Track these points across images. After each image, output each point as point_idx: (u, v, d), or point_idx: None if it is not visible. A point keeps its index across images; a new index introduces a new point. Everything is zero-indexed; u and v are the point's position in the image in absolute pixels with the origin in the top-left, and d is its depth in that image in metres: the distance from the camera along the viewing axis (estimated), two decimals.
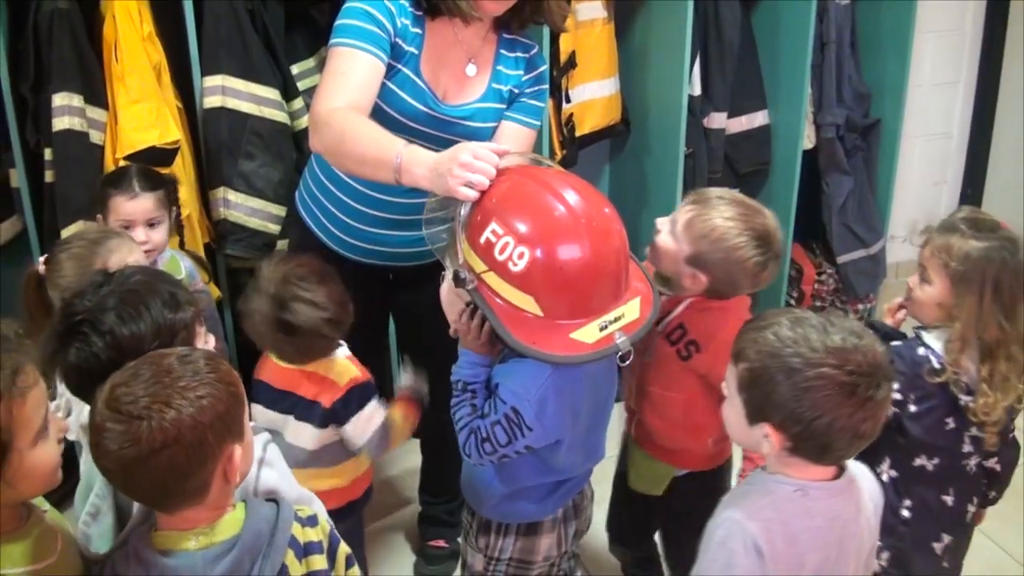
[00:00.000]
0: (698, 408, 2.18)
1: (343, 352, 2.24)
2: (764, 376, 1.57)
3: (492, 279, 1.73)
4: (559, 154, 3.42)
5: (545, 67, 2.41)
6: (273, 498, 1.52)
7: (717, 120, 3.64)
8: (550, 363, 1.75)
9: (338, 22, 2.13)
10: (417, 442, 2.94)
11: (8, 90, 2.64)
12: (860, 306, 4.15)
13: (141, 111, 2.66)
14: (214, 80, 2.79)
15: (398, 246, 2.39)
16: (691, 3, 3.32)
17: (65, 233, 2.64)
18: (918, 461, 2.09)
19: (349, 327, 2.16)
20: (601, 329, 1.73)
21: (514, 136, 2.33)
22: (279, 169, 2.90)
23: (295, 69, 3.01)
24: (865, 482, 1.71)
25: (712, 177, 3.66)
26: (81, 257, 2.06)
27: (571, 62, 3.32)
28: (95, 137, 2.69)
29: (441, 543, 2.94)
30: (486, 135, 2.30)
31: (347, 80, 2.07)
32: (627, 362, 1.76)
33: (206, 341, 1.67)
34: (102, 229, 2.19)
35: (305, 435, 2.22)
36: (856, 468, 1.69)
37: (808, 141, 3.86)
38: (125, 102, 2.65)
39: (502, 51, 2.32)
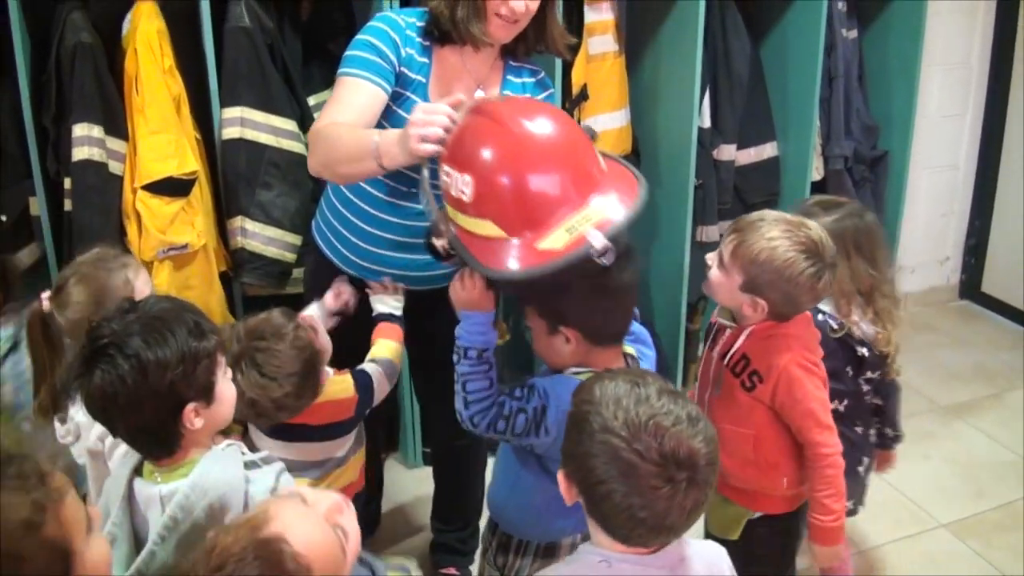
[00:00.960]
0: (768, 444, 2.18)
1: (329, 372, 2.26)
2: (570, 423, 1.50)
3: (462, 220, 1.75)
4: None
5: (552, 90, 2.45)
6: None
7: (727, 152, 3.67)
8: (519, 279, 1.70)
9: (345, 54, 2.19)
10: (429, 469, 2.96)
11: (30, 120, 2.68)
12: None
13: (160, 142, 2.69)
14: (233, 112, 2.84)
15: (411, 269, 2.39)
16: (700, 37, 3.36)
17: None
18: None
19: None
20: (569, 232, 1.67)
21: None
22: (296, 199, 2.94)
23: (312, 101, 3.05)
24: (699, 564, 1.55)
25: (722, 208, 3.69)
26: (89, 281, 2.07)
27: (583, 94, 3.36)
28: (114, 167, 2.72)
29: (453, 571, 2.93)
30: None
31: (345, 105, 2.13)
32: (606, 260, 1.63)
33: (226, 372, 1.68)
34: (102, 252, 2.18)
35: (344, 445, 2.28)
36: (697, 550, 1.55)
37: (817, 173, 3.89)
38: (145, 133, 2.69)
39: (509, 77, 2.35)
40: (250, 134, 2.85)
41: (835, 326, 2.39)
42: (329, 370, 2.24)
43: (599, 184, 1.74)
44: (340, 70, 2.18)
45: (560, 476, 1.50)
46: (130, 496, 1.63)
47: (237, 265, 2.96)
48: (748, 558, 2.28)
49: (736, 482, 2.23)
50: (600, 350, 1.91)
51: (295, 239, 2.97)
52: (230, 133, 2.85)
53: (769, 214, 2.14)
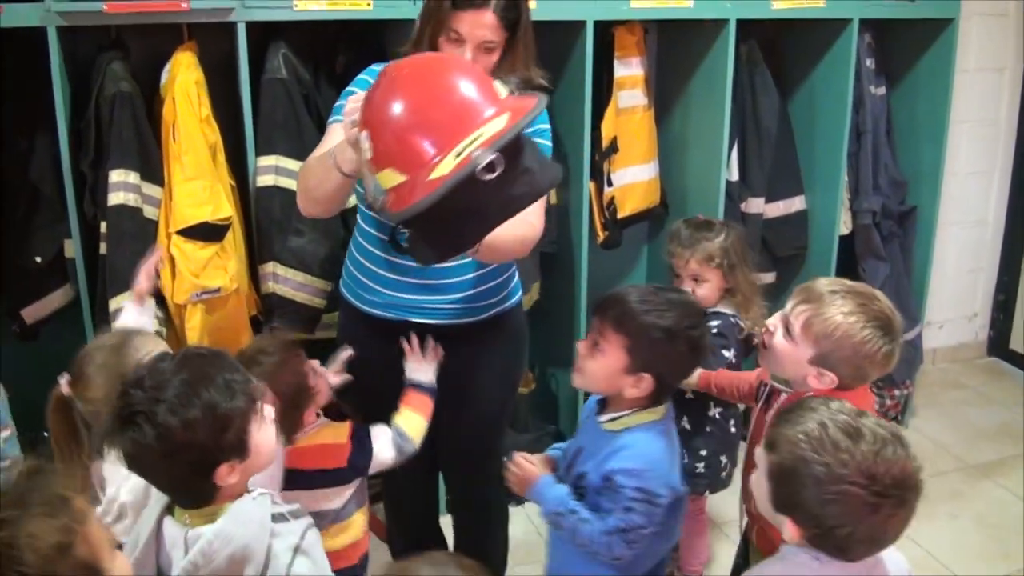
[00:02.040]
0: None
1: (324, 421, 2.28)
2: (791, 476, 1.55)
3: (380, 180, 1.75)
4: (601, 235, 3.49)
5: (546, 126, 2.42)
6: None
7: (755, 205, 3.69)
8: (418, 211, 1.65)
9: (336, 104, 2.31)
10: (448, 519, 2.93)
11: (68, 165, 2.73)
12: (896, 392, 4.14)
13: (196, 188, 2.73)
14: (268, 160, 2.88)
15: (427, 307, 2.40)
16: (729, 91, 3.41)
17: (113, 304, 2.72)
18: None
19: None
20: (457, 156, 1.66)
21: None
22: (326, 246, 2.97)
23: None
24: (891, 566, 1.68)
25: None
26: (109, 366, 2.00)
27: (613, 147, 3.40)
28: (149, 212, 2.76)
29: None
30: None
31: (324, 148, 2.19)
32: (492, 175, 1.64)
33: (262, 420, 1.67)
34: (121, 331, 2.17)
35: (338, 497, 2.26)
36: (885, 553, 1.66)
37: (844, 227, 3.90)
38: (180, 179, 2.73)
39: None
40: (284, 182, 2.89)
41: (742, 326, 2.80)
42: (324, 419, 2.26)
43: (491, 110, 1.72)
44: (328, 122, 2.30)
45: (788, 524, 1.58)
46: (158, 533, 1.65)
47: (267, 310, 2.99)
48: None
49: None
50: (654, 406, 1.99)
51: (325, 285, 3.00)
52: (264, 180, 2.89)
53: (839, 283, 2.08)
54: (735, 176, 3.64)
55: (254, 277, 3.01)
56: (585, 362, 2.03)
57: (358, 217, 2.47)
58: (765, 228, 3.77)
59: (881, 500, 1.50)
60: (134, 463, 1.58)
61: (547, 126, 2.42)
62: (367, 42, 3.21)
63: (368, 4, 2.91)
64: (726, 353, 2.79)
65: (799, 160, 3.83)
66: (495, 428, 2.63)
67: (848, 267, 3.95)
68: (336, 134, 2.17)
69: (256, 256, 2.99)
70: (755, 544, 2.23)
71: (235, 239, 2.86)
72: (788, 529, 1.58)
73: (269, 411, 1.70)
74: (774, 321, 2.10)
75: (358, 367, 2.43)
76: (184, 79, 2.73)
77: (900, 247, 4.07)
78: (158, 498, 1.70)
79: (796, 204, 3.81)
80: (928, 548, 3.28)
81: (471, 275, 2.38)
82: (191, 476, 1.58)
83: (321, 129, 2.93)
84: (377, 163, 1.74)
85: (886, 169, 3.97)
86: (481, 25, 2.19)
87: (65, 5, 2.60)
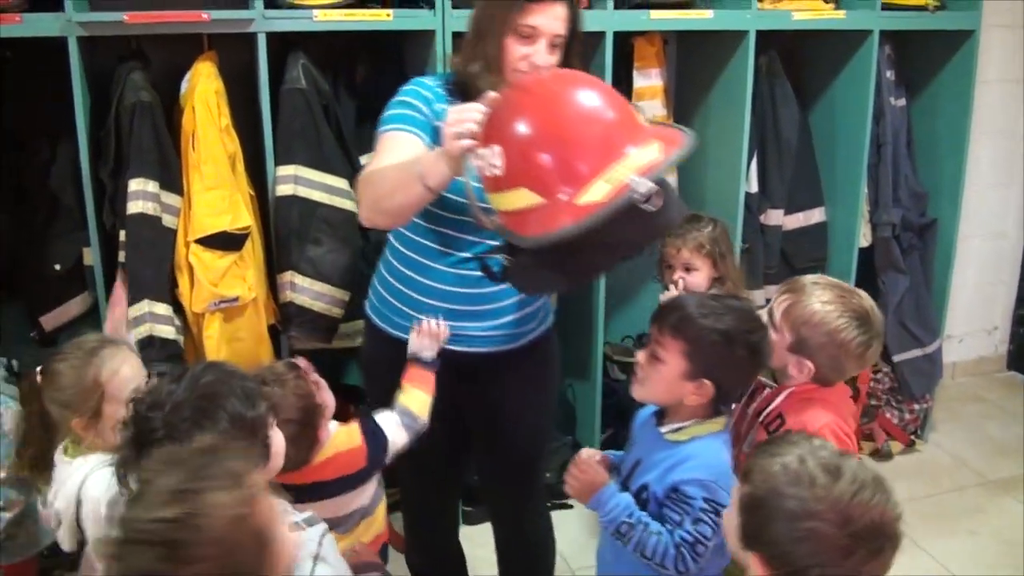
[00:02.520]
0: None
1: (334, 426, 2.21)
2: (762, 508, 1.48)
3: (500, 202, 1.69)
4: None
5: None
6: None
7: (774, 216, 3.68)
8: (565, 238, 1.58)
9: (380, 119, 2.22)
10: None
11: (88, 174, 2.74)
12: (916, 406, 4.12)
13: (215, 198, 2.74)
14: (287, 170, 2.89)
15: (470, 334, 2.33)
16: (748, 103, 3.40)
17: (131, 312, 2.72)
18: None
19: None
20: (609, 182, 1.59)
21: None
22: (345, 255, 2.97)
23: (364, 160, 3.08)
24: None
25: (768, 272, 3.69)
26: (77, 368, 2.03)
27: None
28: (168, 221, 2.76)
29: None
30: None
31: (387, 155, 2.10)
32: (652, 206, 1.58)
33: (272, 423, 1.71)
34: (99, 338, 2.16)
35: (366, 493, 2.24)
36: None
37: (864, 239, 3.88)
38: (200, 188, 2.74)
39: None
40: (303, 191, 2.89)
41: None
42: (333, 424, 2.22)
43: (637, 136, 1.67)
44: (379, 131, 2.20)
45: (753, 559, 1.50)
46: None
47: (285, 319, 2.99)
48: None
49: None
50: (715, 416, 2.00)
51: (343, 295, 3.00)
52: (283, 190, 2.90)
53: (822, 278, 2.15)
54: (754, 188, 3.63)
55: (272, 286, 3.01)
56: (645, 372, 2.02)
57: (391, 238, 2.39)
58: (784, 240, 3.76)
59: (854, 544, 1.41)
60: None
61: None
62: (387, 53, 3.23)
63: (388, 15, 2.92)
64: None
65: (819, 172, 3.82)
66: (538, 450, 2.61)
67: (867, 279, 3.92)
68: (399, 144, 2.12)
69: (274, 265, 2.99)
70: None
71: (254, 248, 2.86)
72: (755, 568, 1.51)
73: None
74: (760, 311, 2.14)
75: (384, 394, 2.34)
76: (204, 89, 2.74)
77: (920, 260, 4.05)
78: None
79: (815, 216, 3.80)
80: (946, 564, 3.26)
81: (514, 299, 2.32)
82: None
83: (341, 139, 2.95)
84: (505, 183, 1.66)
85: (906, 181, 3.94)
86: (555, 17, 2.14)
87: (85, 15, 2.62)
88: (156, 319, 2.74)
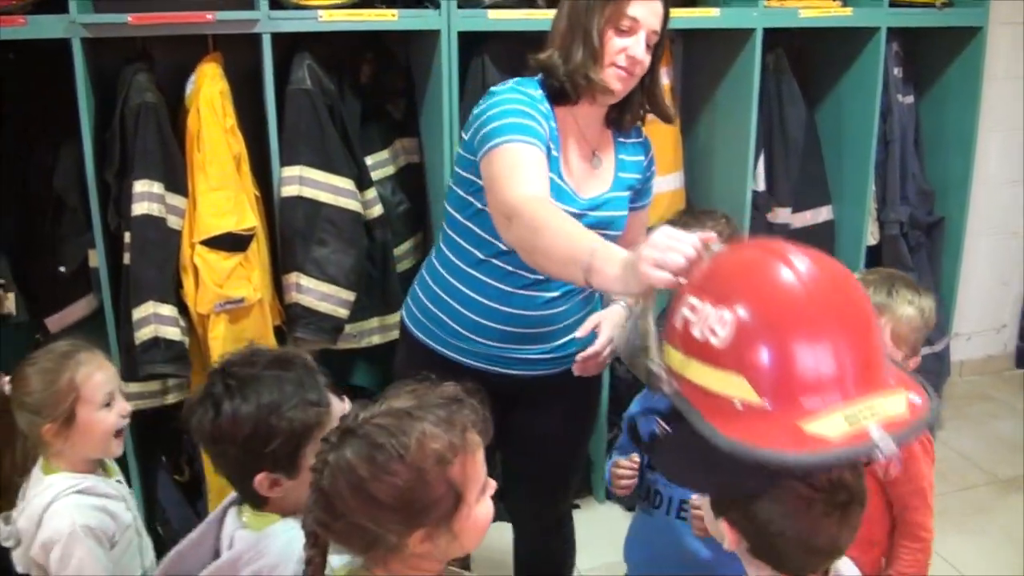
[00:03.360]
0: (871, 520, 2.03)
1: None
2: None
3: (694, 370, 1.36)
4: None
5: (652, 151, 2.38)
6: None
7: (782, 215, 3.66)
8: (778, 465, 1.28)
9: (494, 124, 2.00)
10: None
11: (93, 176, 2.74)
12: None
13: (220, 198, 2.74)
14: (292, 170, 2.88)
15: (519, 358, 2.26)
16: (755, 101, 3.38)
17: (136, 313, 2.72)
18: None
19: None
20: (849, 421, 1.27)
21: (639, 219, 2.35)
22: (351, 256, 2.96)
23: (369, 160, 3.11)
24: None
25: None
26: (50, 371, 2.00)
27: None
28: (173, 223, 2.76)
29: None
30: (620, 224, 2.24)
31: (527, 171, 1.93)
32: (875, 459, 1.35)
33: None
34: (72, 343, 2.11)
35: None
36: (839, 564, 1.57)
37: (872, 237, 3.87)
38: (205, 189, 2.73)
39: (620, 139, 2.28)
40: (308, 192, 2.89)
41: None
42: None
43: (882, 380, 1.37)
44: (496, 140, 1.97)
45: (723, 526, 1.49)
46: (221, 519, 1.67)
47: (291, 320, 2.98)
48: None
49: None
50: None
51: (349, 295, 2.98)
52: (289, 191, 2.89)
53: (869, 279, 2.13)
54: (761, 186, 3.61)
55: (278, 287, 3.00)
56: None
57: (447, 252, 2.26)
58: (791, 238, 3.69)
59: (814, 495, 1.39)
60: (199, 442, 1.66)
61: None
62: (392, 53, 3.22)
63: (393, 15, 2.91)
64: None
65: (826, 170, 3.80)
66: (574, 474, 2.60)
67: None
68: (520, 152, 1.94)
69: (280, 266, 2.98)
70: None
71: (259, 249, 2.86)
72: (727, 536, 1.49)
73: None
74: None
75: None
76: (209, 90, 2.73)
77: (928, 258, 4.04)
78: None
79: (823, 214, 3.78)
80: (955, 563, 3.24)
81: (571, 320, 2.25)
82: (235, 473, 1.62)
83: (346, 139, 2.94)
84: (719, 358, 1.33)
85: (914, 179, 3.94)
86: (654, 12, 2.07)
87: (90, 17, 2.62)
88: (161, 320, 2.73)
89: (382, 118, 3.19)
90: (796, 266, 1.33)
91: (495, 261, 2.16)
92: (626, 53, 2.05)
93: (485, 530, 1.42)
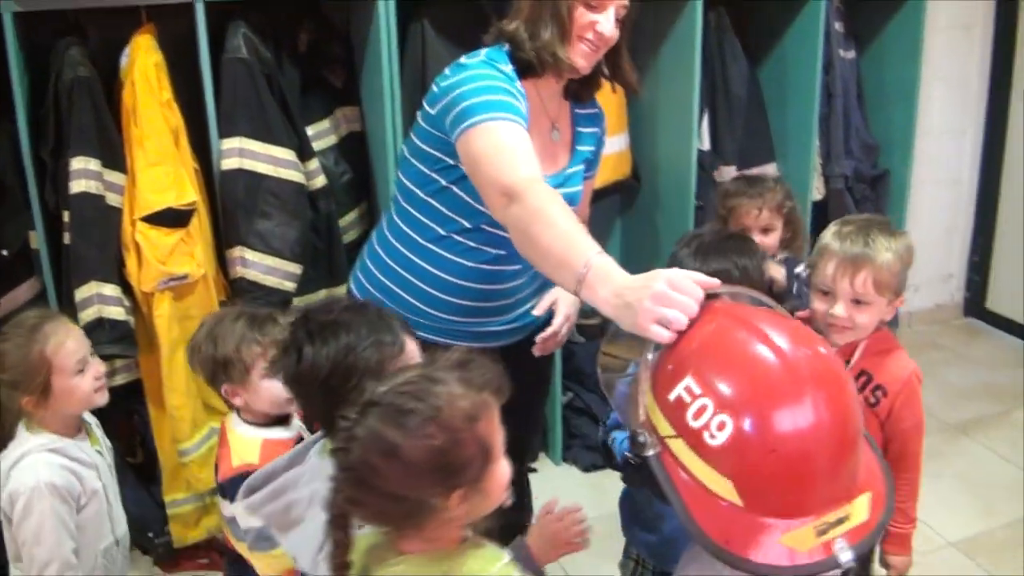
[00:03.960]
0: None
1: (265, 433, 2.13)
2: None
3: (680, 448, 1.36)
4: None
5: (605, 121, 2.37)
6: None
7: (727, 173, 3.66)
8: (745, 572, 1.33)
9: (474, 100, 1.93)
10: None
11: (29, 154, 2.69)
12: None
13: (159, 174, 2.70)
14: (232, 142, 2.84)
15: (489, 330, 2.26)
16: (698, 60, 3.37)
17: (78, 294, 2.69)
18: None
19: None
20: (819, 534, 1.32)
21: (586, 189, 2.33)
22: (295, 228, 2.93)
23: (310, 130, 3.07)
24: None
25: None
26: (21, 346, 2.04)
27: None
28: (112, 200, 2.72)
29: None
30: (578, 199, 2.23)
31: (522, 151, 1.87)
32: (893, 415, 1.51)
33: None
34: (38, 314, 2.14)
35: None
36: None
37: (817, 192, 3.89)
38: (143, 165, 2.70)
39: (576, 111, 2.26)
40: (248, 164, 2.85)
41: (806, 272, 2.52)
42: (266, 434, 2.15)
43: (857, 487, 1.39)
44: (479, 116, 1.91)
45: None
46: (301, 455, 1.71)
47: (236, 295, 2.95)
48: None
49: None
50: None
51: (295, 268, 2.96)
52: (229, 163, 2.85)
53: (853, 232, 2.11)
54: (706, 145, 3.62)
55: (222, 262, 2.97)
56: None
57: (403, 225, 2.21)
58: None
59: None
60: (288, 387, 1.70)
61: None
62: (330, 20, 3.18)
63: None
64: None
65: (770, 127, 3.81)
66: (532, 438, 2.58)
67: (822, 232, 3.93)
68: (510, 130, 1.89)
69: (223, 241, 2.95)
70: None
71: (201, 224, 2.83)
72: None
73: None
74: (841, 309, 2.05)
75: None
76: (143, 62, 2.69)
77: (873, 210, 4.06)
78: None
79: (768, 171, 3.78)
80: None
81: (528, 292, 2.25)
82: (320, 414, 1.68)
83: (285, 109, 2.90)
84: (718, 463, 1.33)
85: (857, 133, 3.96)
86: None
87: None
88: (104, 300, 2.70)
89: (322, 87, 3.15)
90: (810, 393, 1.33)
91: (457, 237, 2.13)
92: (595, 29, 2.01)
93: (508, 487, 1.44)
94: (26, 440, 2.04)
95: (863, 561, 2.31)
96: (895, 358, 2.13)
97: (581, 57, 2.05)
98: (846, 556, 1.31)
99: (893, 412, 2.11)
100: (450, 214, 2.11)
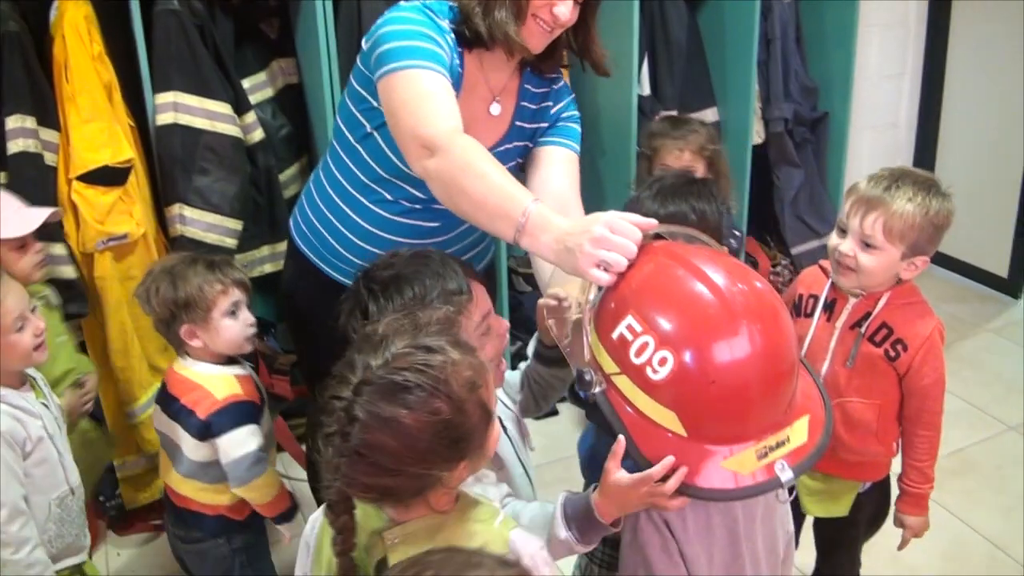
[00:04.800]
0: (889, 411, 2.16)
1: (231, 370, 2.21)
2: None
3: (625, 384, 1.42)
4: None
5: (572, 95, 2.27)
6: None
7: None
8: (694, 497, 1.42)
9: (395, 44, 1.88)
10: None
11: None
12: None
13: (93, 131, 2.65)
14: (166, 97, 2.79)
15: None
16: (637, 5, 3.36)
17: None
18: None
19: None
20: (760, 457, 1.39)
21: (565, 161, 2.18)
22: (234, 183, 2.90)
23: (246, 83, 3.03)
24: None
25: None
26: None
27: None
28: (50, 159, 2.67)
29: None
30: None
31: (444, 102, 1.82)
32: (787, 499, 1.54)
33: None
34: None
35: (188, 444, 2.18)
36: None
37: (757, 136, 3.92)
38: (77, 122, 2.65)
39: (527, 85, 2.16)
40: (184, 119, 2.81)
41: None
42: (234, 370, 2.21)
43: (794, 411, 1.46)
44: (397, 63, 1.85)
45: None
46: None
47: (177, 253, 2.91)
48: (850, 532, 2.30)
49: (851, 456, 2.18)
50: None
51: (235, 224, 2.93)
52: (164, 119, 2.80)
53: (879, 179, 2.07)
54: (647, 91, 3.63)
55: (162, 221, 2.94)
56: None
57: (337, 173, 2.17)
58: None
59: None
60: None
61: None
62: None
63: None
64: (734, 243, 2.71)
65: (709, 71, 3.83)
66: None
67: (763, 175, 3.98)
68: (428, 79, 1.83)
69: (162, 198, 2.91)
70: None
71: (139, 182, 2.78)
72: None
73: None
74: (848, 246, 2.05)
75: (305, 327, 2.30)
76: (73, 15, 2.63)
77: (813, 153, 4.12)
78: None
79: (709, 116, 3.81)
80: None
81: (462, 245, 2.20)
82: None
83: (220, 62, 2.86)
84: (662, 396, 1.38)
85: (796, 76, 3.99)
86: None
87: None
88: (54, 261, 2.66)
89: (257, 38, 3.11)
90: (745, 325, 1.37)
91: (374, 186, 2.09)
92: (552, 11, 1.94)
93: (496, 443, 1.42)
94: None
95: (874, 519, 2.34)
96: (918, 313, 2.11)
97: (534, 37, 1.98)
98: (787, 475, 1.39)
99: (912, 368, 2.10)
100: (370, 162, 2.07)
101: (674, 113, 3.63)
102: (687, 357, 1.35)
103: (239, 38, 3.05)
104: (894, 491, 2.29)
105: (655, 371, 1.37)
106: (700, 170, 2.84)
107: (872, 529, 2.37)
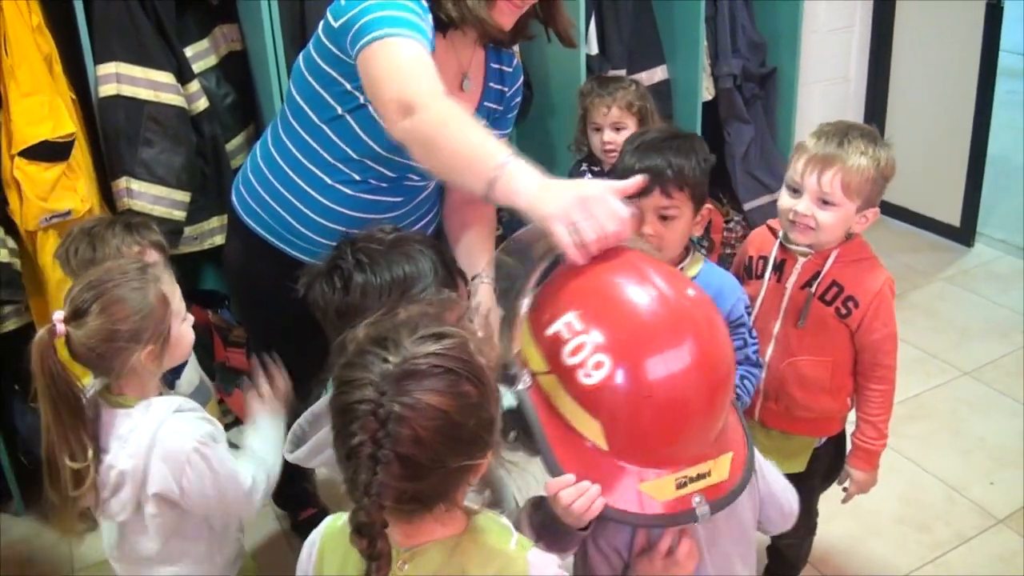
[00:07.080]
0: (842, 368, 2.18)
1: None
2: None
3: (551, 385, 1.38)
4: None
5: (522, 77, 2.29)
6: None
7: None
8: (604, 516, 1.36)
9: (376, 14, 1.83)
10: None
11: None
12: None
13: (33, 104, 2.60)
14: (108, 68, 2.75)
15: None
16: None
17: None
18: None
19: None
20: (679, 486, 1.35)
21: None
22: (180, 154, 2.87)
23: (189, 52, 2.98)
24: None
25: None
26: None
27: None
28: None
29: None
30: None
31: (427, 69, 1.77)
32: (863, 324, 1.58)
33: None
34: None
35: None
36: None
37: (707, 93, 3.93)
38: (16, 96, 2.59)
39: (491, 64, 2.18)
40: (127, 90, 2.77)
41: None
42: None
43: (720, 446, 1.42)
44: (379, 31, 1.80)
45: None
46: None
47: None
48: (807, 485, 2.25)
49: (805, 413, 2.21)
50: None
51: (183, 196, 2.90)
52: (106, 90, 2.76)
53: (829, 134, 2.06)
54: (595, 50, 3.61)
55: (107, 195, 2.89)
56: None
57: (287, 141, 2.13)
58: None
59: None
60: (321, 317, 1.66)
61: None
62: None
63: None
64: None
65: (658, 29, 3.81)
66: None
67: (713, 132, 3.98)
68: (410, 47, 1.79)
69: (107, 172, 2.86)
70: (757, 418, 2.25)
71: (82, 156, 2.74)
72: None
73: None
74: (805, 206, 2.04)
75: (252, 300, 2.30)
76: None
77: (763, 108, 4.13)
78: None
79: (658, 74, 3.81)
80: None
81: (414, 219, 2.19)
82: None
83: (161, 30, 2.81)
84: (590, 404, 1.34)
85: (744, 31, 3.99)
86: None
87: None
88: None
89: (198, 5, 3.04)
90: (692, 342, 1.34)
91: (341, 166, 2.06)
92: None
93: None
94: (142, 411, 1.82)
95: (829, 472, 2.35)
96: (867, 268, 2.12)
97: (504, 16, 1.98)
98: (703, 510, 1.35)
99: (864, 324, 2.11)
100: (339, 143, 2.04)
101: (622, 73, 3.63)
102: (626, 365, 1.31)
103: (180, 5, 2.98)
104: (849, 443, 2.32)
105: (588, 375, 1.32)
106: (631, 126, 2.89)
107: (827, 482, 2.39)
